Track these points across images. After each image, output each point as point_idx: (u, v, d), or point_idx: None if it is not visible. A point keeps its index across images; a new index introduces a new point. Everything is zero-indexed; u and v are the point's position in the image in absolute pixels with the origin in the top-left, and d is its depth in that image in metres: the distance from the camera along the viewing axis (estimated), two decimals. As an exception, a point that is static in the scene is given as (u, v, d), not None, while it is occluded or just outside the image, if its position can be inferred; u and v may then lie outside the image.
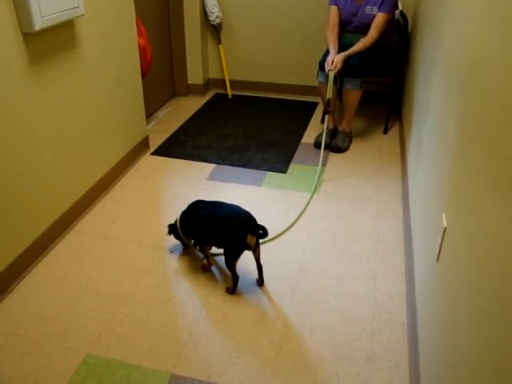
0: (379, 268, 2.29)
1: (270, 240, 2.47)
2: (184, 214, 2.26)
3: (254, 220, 2.07)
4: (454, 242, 1.41)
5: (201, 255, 2.36)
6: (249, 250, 2.06)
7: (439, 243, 1.58)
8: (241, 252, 2.06)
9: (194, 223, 2.20)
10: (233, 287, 2.13)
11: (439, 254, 1.59)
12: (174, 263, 2.31)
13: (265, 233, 2.05)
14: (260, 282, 2.18)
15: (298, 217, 2.66)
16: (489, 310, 1.01)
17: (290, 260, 2.34)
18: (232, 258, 2.07)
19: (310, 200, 2.82)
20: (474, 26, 1.54)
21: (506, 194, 0.99)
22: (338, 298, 2.12)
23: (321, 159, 3.14)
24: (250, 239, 2.01)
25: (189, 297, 2.12)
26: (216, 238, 2.12)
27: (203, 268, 2.28)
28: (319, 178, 3.04)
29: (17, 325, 1.96)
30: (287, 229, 2.57)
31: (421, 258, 1.97)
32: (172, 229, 2.31)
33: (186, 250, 2.39)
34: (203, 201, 2.28)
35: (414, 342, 1.80)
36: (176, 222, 2.28)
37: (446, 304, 1.40)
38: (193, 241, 2.30)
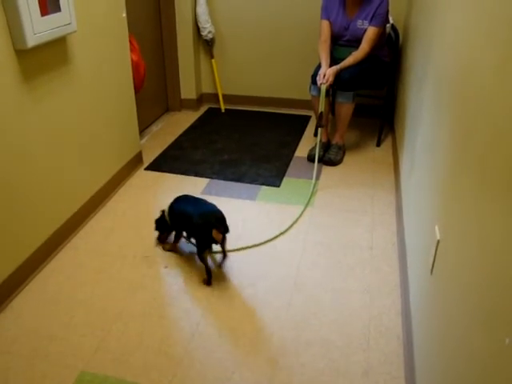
0: (374, 281, 2.29)
1: (258, 245, 2.52)
2: (170, 206, 2.43)
3: (221, 217, 2.25)
4: (448, 254, 1.41)
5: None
6: (216, 243, 2.25)
7: (433, 256, 1.59)
8: (209, 245, 2.25)
9: (173, 216, 2.38)
10: (207, 278, 2.26)
11: (433, 266, 1.59)
12: (169, 278, 2.31)
13: (226, 230, 2.24)
14: (220, 264, 2.40)
15: (289, 227, 2.68)
16: (484, 322, 1.01)
17: (285, 274, 2.33)
18: (201, 250, 2.25)
19: (302, 211, 2.83)
20: (463, 37, 1.56)
21: (498, 206, 0.99)
22: (333, 312, 2.11)
23: (315, 172, 3.15)
24: (216, 234, 2.19)
25: (184, 312, 2.11)
26: (188, 231, 2.36)
27: (160, 239, 2.54)
28: (313, 191, 3.05)
29: (10, 342, 1.94)
30: (276, 237, 2.60)
31: (415, 271, 1.97)
32: (158, 220, 2.49)
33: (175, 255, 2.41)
34: (185, 196, 2.46)
35: (410, 354, 1.80)
36: (163, 213, 2.45)
37: (441, 316, 1.40)
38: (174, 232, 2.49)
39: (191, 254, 2.45)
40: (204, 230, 2.21)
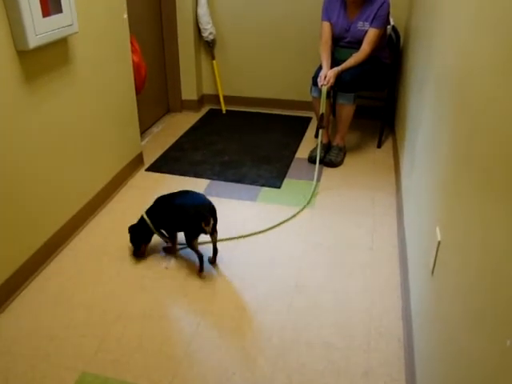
0: (375, 282, 2.29)
1: (251, 235, 2.60)
2: (152, 210, 2.41)
3: (211, 208, 2.31)
4: (449, 255, 1.41)
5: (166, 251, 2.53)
6: (205, 234, 2.29)
7: (434, 257, 1.58)
8: (198, 234, 2.29)
9: (164, 215, 2.37)
10: (200, 266, 2.32)
11: (434, 267, 1.59)
12: (169, 279, 2.31)
13: (215, 221, 2.30)
14: (212, 260, 2.41)
15: (279, 223, 2.70)
16: (484, 323, 1.01)
17: (286, 275, 2.33)
18: (191, 238, 2.29)
19: (299, 211, 2.85)
20: (464, 38, 1.56)
21: (500, 206, 0.99)
22: (334, 313, 2.11)
23: (316, 174, 3.15)
24: (205, 226, 2.24)
25: (184, 313, 2.11)
26: (178, 224, 2.34)
27: (166, 250, 2.50)
28: (314, 192, 3.05)
29: (11, 343, 1.94)
30: (265, 230, 2.67)
31: (416, 272, 1.97)
32: (136, 229, 2.43)
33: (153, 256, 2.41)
34: (167, 194, 2.44)
35: (411, 356, 1.80)
36: (143, 219, 2.40)
37: (442, 318, 1.40)
38: (164, 232, 2.46)
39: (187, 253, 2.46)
40: (194, 221, 2.24)
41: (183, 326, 2.04)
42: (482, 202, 1.14)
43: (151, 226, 2.38)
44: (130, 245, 2.45)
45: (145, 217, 2.39)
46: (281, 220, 2.76)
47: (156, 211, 2.40)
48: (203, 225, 2.22)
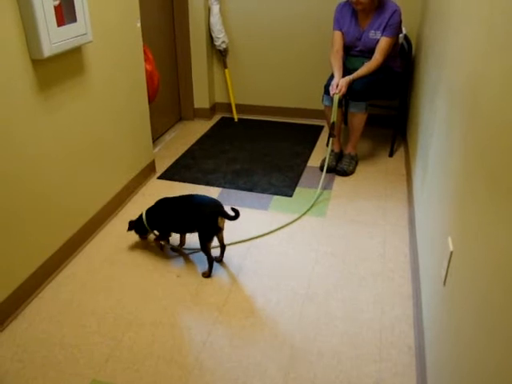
0: (386, 292, 2.28)
1: (256, 238, 2.52)
2: (152, 210, 2.48)
3: (221, 205, 2.35)
4: (461, 265, 1.40)
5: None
6: (218, 232, 2.36)
7: (446, 267, 1.58)
8: (214, 234, 2.34)
9: (166, 216, 2.43)
10: (208, 271, 2.38)
11: (446, 277, 1.58)
12: (181, 287, 2.31)
13: (237, 214, 2.30)
14: (220, 258, 2.48)
15: (281, 227, 2.71)
16: (496, 334, 1.00)
17: (296, 284, 2.33)
18: (206, 241, 2.32)
19: (299, 217, 2.89)
20: (477, 51, 1.56)
21: (511, 217, 0.99)
22: (345, 322, 2.10)
23: (321, 182, 3.17)
24: (221, 221, 2.31)
25: (195, 321, 2.11)
26: (190, 224, 2.37)
27: (174, 249, 2.59)
28: (316, 199, 3.07)
29: (22, 350, 1.95)
30: (261, 235, 2.72)
31: (427, 282, 1.96)
32: (134, 224, 2.54)
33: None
34: (170, 197, 2.50)
35: (422, 366, 1.79)
36: (141, 216, 2.48)
37: (454, 328, 1.39)
38: (156, 232, 2.53)
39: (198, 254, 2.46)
40: (211, 219, 2.28)
41: (194, 334, 2.04)
42: (494, 212, 1.13)
43: (146, 225, 2.45)
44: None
45: (143, 215, 2.47)
46: (294, 230, 2.77)
47: (158, 212, 2.46)
48: (219, 221, 2.28)
